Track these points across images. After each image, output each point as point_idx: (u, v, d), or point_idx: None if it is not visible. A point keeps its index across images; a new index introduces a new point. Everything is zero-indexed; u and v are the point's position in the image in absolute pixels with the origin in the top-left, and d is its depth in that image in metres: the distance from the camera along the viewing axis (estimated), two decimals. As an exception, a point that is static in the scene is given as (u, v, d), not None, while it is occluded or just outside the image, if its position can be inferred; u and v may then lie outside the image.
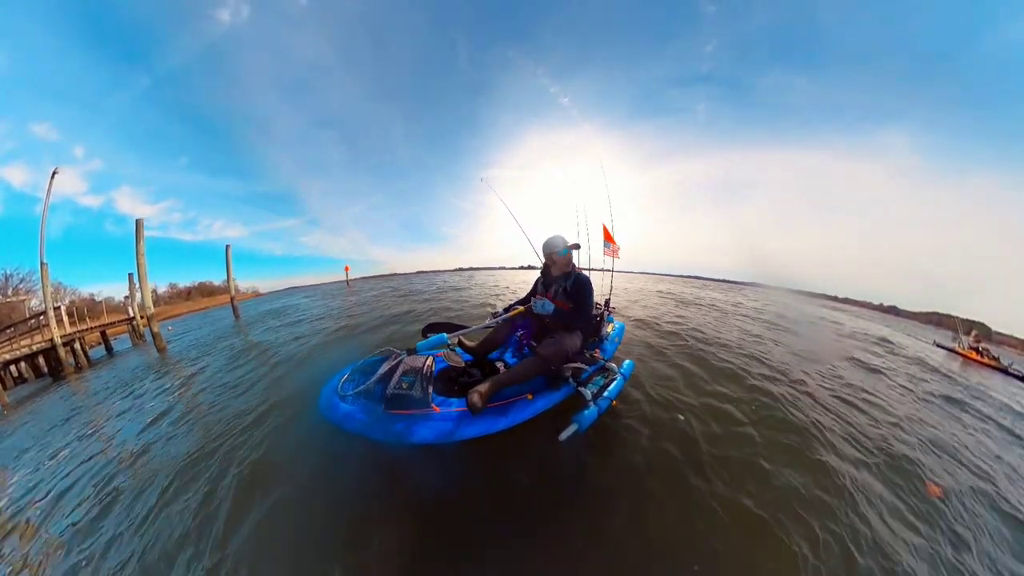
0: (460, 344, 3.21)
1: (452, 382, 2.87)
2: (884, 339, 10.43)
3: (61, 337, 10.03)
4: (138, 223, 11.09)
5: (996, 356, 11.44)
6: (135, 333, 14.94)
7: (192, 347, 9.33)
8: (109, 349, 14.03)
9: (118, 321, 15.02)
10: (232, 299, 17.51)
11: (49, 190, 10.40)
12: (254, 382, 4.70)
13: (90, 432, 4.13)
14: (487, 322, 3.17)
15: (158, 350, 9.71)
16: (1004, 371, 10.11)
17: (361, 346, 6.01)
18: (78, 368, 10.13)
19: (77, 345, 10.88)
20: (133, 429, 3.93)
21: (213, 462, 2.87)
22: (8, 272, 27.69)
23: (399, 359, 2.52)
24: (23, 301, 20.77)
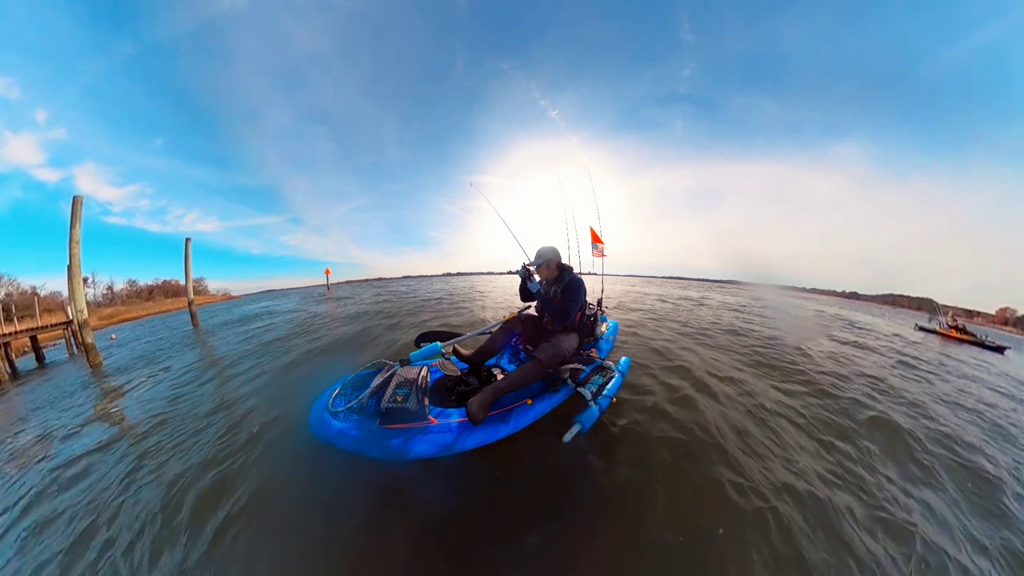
0: (455, 353, 3.15)
1: (449, 392, 2.80)
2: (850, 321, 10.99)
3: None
4: (75, 201, 8.80)
5: (972, 332, 11.91)
6: (75, 339, 13.37)
7: (136, 362, 8.09)
8: (40, 359, 12.55)
9: (52, 325, 13.46)
10: (190, 304, 16.12)
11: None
12: (213, 410, 3.96)
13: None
14: (481, 329, 3.12)
15: (91, 366, 8.38)
16: (981, 344, 10.85)
17: (340, 365, 5.41)
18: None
19: None
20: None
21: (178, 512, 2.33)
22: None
23: (392, 371, 2.43)
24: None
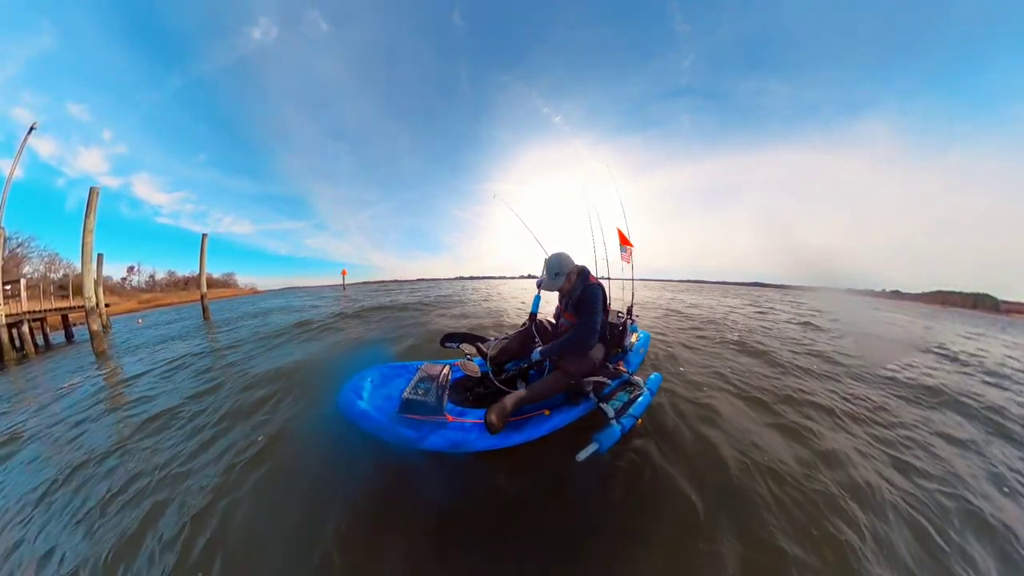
0: (478, 353, 3.08)
1: (467, 392, 2.83)
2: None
3: (7, 316, 9.09)
4: (92, 192, 8.35)
5: None
6: (100, 320, 13.78)
7: (140, 347, 8.08)
8: (69, 336, 12.96)
9: (75, 307, 13.91)
10: (203, 298, 16.36)
11: (23, 145, 9.28)
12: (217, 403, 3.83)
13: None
14: (502, 335, 3.18)
15: (95, 353, 7.82)
16: None
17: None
18: (23, 355, 9.17)
19: (26, 327, 9.93)
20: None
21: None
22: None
23: (417, 366, 2.58)
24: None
